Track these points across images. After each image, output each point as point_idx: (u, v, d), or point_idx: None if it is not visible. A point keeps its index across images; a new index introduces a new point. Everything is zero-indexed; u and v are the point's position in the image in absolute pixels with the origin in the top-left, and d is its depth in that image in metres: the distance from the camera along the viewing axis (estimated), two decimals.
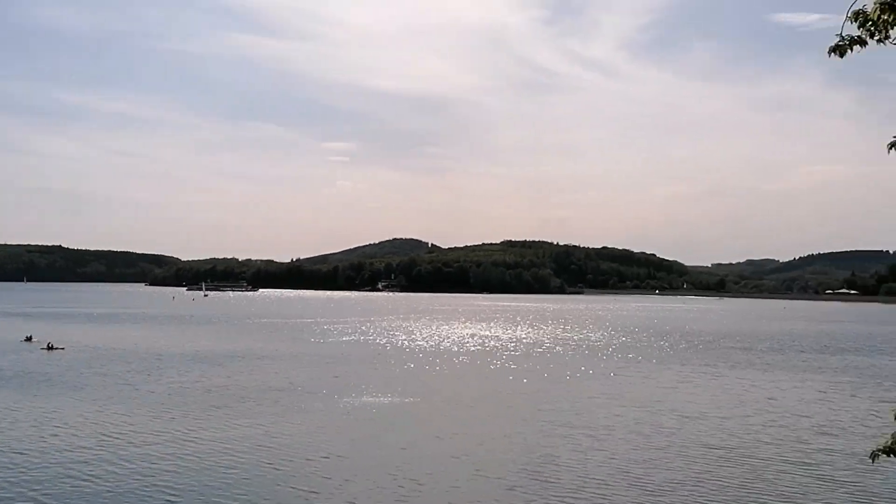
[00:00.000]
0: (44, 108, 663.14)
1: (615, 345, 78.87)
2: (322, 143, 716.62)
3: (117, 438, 28.82)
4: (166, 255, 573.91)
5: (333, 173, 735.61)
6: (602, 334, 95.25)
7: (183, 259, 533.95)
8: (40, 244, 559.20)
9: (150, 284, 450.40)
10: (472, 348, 71.73)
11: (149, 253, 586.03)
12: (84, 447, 27.34)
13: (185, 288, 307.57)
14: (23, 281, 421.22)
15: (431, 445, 29.10)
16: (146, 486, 22.52)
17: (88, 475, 23.70)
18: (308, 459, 26.23)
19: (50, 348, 61.30)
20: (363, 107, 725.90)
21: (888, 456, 7.75)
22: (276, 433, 30.36)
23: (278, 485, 23.20)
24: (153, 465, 24.90)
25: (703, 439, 30.62)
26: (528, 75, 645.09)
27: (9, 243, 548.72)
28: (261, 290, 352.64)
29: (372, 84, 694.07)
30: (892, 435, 7.71)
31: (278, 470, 24.84)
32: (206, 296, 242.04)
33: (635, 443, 29.83)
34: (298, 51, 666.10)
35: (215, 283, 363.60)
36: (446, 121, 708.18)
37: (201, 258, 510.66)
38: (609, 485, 23.74)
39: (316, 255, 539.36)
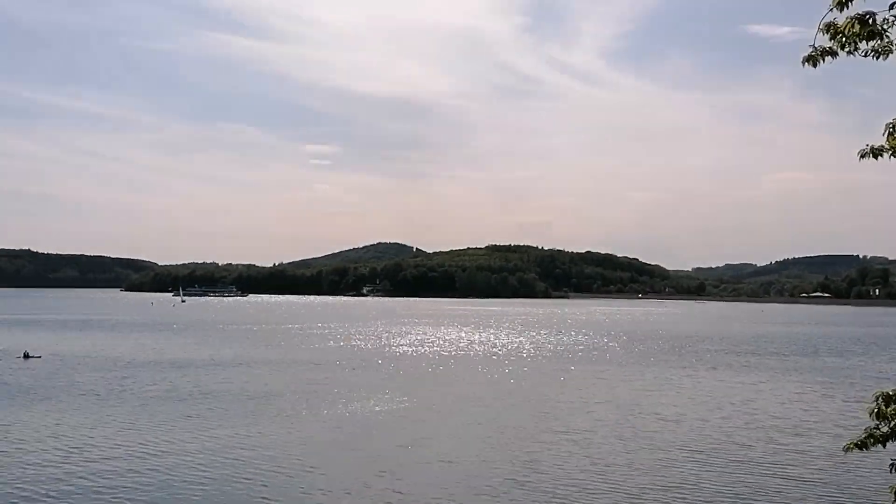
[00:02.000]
0: (10, 107, 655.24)
1: (599, 348, 79.47)
2: (302, 146, 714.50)
3: (96, 448, 28.91)
4: (142, 259, 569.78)
5: (314, 177, 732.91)
6: (586, 338, 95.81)
7: (160, 264, 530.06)
8: (8, 248, 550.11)
9: (127, 290, 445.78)
10: (458, 353, 71.95)
11: (124, 257, 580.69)
12: (57, 458, 27.40)
13: (172, 293, 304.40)
14: None
15: (415, 451, 29.39)
16: (115, 498, 22.45)
17: (56, 488, 23.68)
18: (285, 468, 26.30)
19: (26, 357, 60.68)
20: (344, 110, 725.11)
21: (860, 450, 8.21)
22: (257, 442, 30.43)
23: (253, 496, 23.10)
24: (126, 476, 24.95)
25: (682, 441, 31.10)
26: (509, 81, 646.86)
27: None
28: (250, 295, 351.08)
29: (353, 87, 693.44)
30: (865, 430, 8.01)
31: (252, 480, 24.69)
32: (183, 301, 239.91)
33: (616, 446, 30.25)
34: (277, 52, 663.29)
35: (203, 289, 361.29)
36: (427, 125, 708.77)
37: (179, 263, 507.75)
38: (589, 489, 24.10)
39: (299, 259, 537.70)
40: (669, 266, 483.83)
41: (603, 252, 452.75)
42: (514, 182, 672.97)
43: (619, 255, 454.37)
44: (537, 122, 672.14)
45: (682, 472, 26.25)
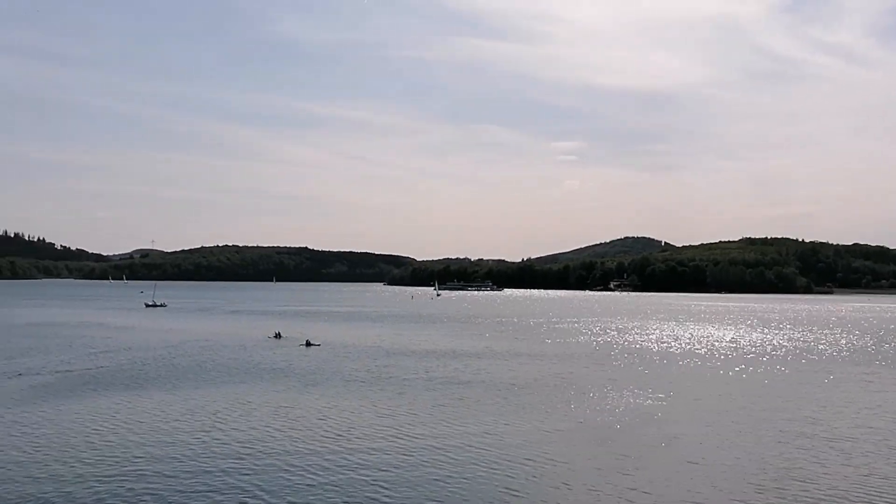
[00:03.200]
0: (288, 119, 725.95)
1: (866, 349, 72.05)
2: (550, 143, 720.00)
3: (355, 432, 31.38)
4: (403, 255, 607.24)
5: (561, 173, 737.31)
6: (851, 337, 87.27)
7: (418, 259, 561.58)
8: (289, 246, 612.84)
9: (389, 284, 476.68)
10: (708, 351, 68.99)
11: (387, 254, 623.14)
12: (319, 443, 30.06)
13: (433, 287, 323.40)
14: (272, 280, 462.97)
15: (662, 451, 28.37)
16: (372, 482, 24.41)
17: (313, 469, 26.14)
18: (530, 460, 26.49)
19: (308, 345, 67.82)
20: (590, 105, 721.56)
21: None
22: (503, 432, 31.13)
23: (496, 486, 23.66)
24: (381, 461, 26.79)
25: None
26: (763, 65, 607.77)
27: (262, 245, 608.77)
28: (505, 289, 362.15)
29: (599, 81, 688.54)
30: None
31: (496, 470, 25.25)
32: (438, 295, 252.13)
33: (885, 456, 27.49)
34: (526, 52, 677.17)
35: (462, 283, 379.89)
36: (675, 116, 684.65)
37: (435, 258, 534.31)
38: (850, 499, 22.22)
39: (546, 254, 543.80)
40: None
41: (873, 244, 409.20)
42: (770, 171, 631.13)
43: (892, 248, 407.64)
44: (795, 107, 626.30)
45: None
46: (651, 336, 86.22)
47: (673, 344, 75.87)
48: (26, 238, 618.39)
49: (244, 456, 26.52)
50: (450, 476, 24.47)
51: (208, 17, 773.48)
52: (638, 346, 73.26)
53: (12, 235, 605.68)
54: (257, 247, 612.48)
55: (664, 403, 38.91)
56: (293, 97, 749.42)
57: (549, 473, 24.96)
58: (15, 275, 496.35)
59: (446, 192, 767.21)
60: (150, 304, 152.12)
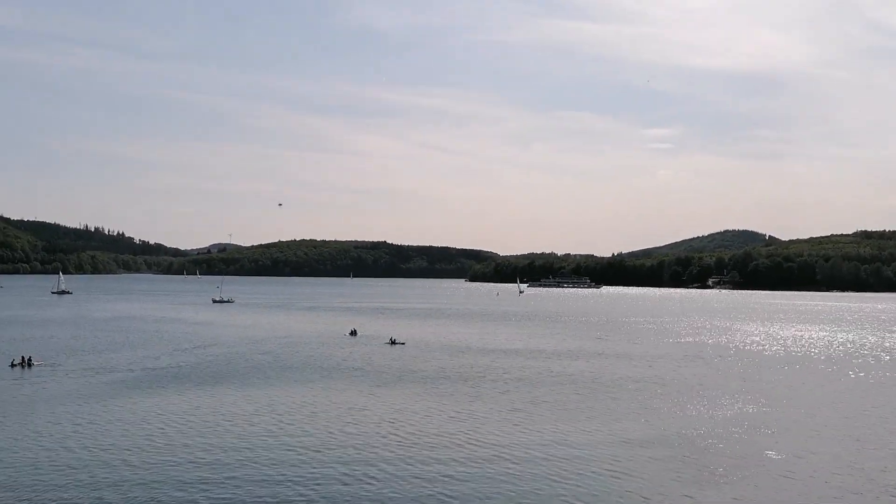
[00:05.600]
0: (363, 108, 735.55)
1: None
2: (642, 130, 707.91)
3: (425, 430, 32.16)
4: (485, 250, 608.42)
5: (655, 162, 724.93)
6: None
7: (501, 254, 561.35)
8: (367, 240, 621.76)
9: (470, 280, 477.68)
10: (817, 355, 66.97)
11: (468, 248, 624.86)
12: (388, 440, 30.95)
13: (526, 283, 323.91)
14: (349, 276, 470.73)
15: (756, 462, 27.97)
16: (433, 487, 25.09)
17: (382, 467, 27.00)
18: (605, 471, 26.63)
19: (392, 343, 69.84)
20: (686, 89, 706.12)
21: None
22: (578, 440, 31.41)
23: (562, 494, 23.98)
24: (455, 460, 27.50)
25: None
26: (880, 41, 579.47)
27: (339, 240, 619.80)
28: (603, 287, 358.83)
29: (696, 63, 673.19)
30: None
31: (565, 478, 25.62)
32: (521, 292, 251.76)
33: None
34: (617, 33, 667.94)
35: (556, 280, 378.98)
36: (780, 100, 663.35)
37: (519, 253, 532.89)
38: None
39: (638, 249, 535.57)
40: None
41: None
42: (888, 157, 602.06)
43: None
44: None
45: None
46: (750, 338, 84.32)
47: (776, 347, 74.09)
48: (106, 233, 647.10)
49: (309, 452, 27.80)
50: (522, 479, 24.85)
51: (286, 5, 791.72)
52: (735, 349, 71.81)
53: (93, 230, 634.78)
54: (335, 241, 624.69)
55: (761, 412, 38.25)
56: (370, 86, 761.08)
57: (625, 488, 24.50)
58: (96, 270, 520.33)
59: (529, 183, 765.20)
60: (217, 299, 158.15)
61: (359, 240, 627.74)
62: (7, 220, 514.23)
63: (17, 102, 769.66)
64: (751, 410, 38.62)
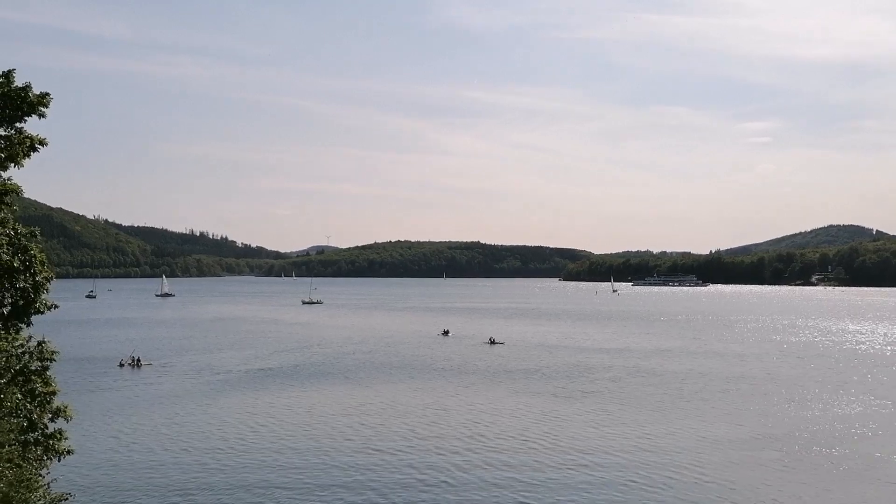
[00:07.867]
0: (455, 109, 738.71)
1: None
2: (738, 124, 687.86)
3: (526, 427, 32.92)
4: (578, 249, 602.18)
5: (753, 156, 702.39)
6: None
7: (595, 253, 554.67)
8: (460, 241, 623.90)
9: (564, 279, 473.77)
10: None
11: (561, 247, 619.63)
12: (483, 434, 31.83)
13: (631, 282, 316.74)
14: (443, 277, 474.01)
15: (860, 472, 27.51)
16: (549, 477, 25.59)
17: (476, 460, 27.73)
18: (699, 476, 26.61)
19: (492, 342, 71.40)
20: (785, 80, 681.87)
21: None
22: (668, 443, 31.51)
23: (661, 492, 24.22)
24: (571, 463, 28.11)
25: None
26: None
27: (433, 240, 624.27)
28: (710, 285, 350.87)
29: (794, 54, 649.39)
30: None
31: (665, 476, 25.86)
32: (615, 292, 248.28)
33: None
34: (710, 25, 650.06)
35: (662, 278, 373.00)
36: (885, 89, 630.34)
37: (613, 252, 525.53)
38: None
39: (736, 245, 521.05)
40: None
41: None
42: None
43: None
44: None
45: None
46: (859, 338, 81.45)
47: (887, 348, 71.49)
48: (210, 237, 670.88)
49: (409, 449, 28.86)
50: (618, 475, 25.30)
51: (375, 6, 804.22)
52: (842, 348, 69.75)
53: (198, 234, 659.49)
54: (429, 242, 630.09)
55: (868, 415, 37.40)
56: (461, 86, 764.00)
57: (716, 496, 24.11)
58: (201, 273, 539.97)
59: (623, 180, 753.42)
60: (307, 301, 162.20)
61: (452, 240, 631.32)
62: (119, 227, 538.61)
63: (126, 111, 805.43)
64: (858, 414, 37.75)
